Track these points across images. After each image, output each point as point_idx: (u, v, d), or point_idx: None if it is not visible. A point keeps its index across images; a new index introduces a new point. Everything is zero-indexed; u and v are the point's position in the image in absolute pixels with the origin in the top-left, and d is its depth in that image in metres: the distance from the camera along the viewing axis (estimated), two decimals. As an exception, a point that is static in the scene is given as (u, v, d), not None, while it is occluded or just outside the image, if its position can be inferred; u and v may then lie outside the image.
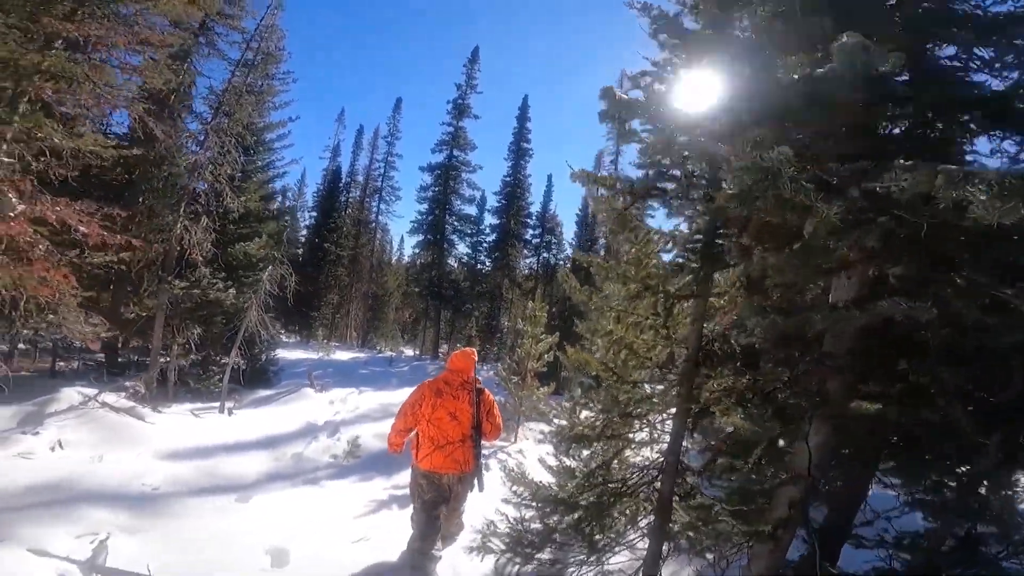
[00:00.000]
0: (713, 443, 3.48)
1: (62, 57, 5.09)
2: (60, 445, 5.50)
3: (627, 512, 3.56)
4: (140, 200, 8.36)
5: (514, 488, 3.69)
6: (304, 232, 29.23)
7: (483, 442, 3.63)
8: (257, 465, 6.00)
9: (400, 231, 74.08)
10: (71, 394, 6.90)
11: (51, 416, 6.19)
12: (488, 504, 3.91)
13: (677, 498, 3.29)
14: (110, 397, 7.15)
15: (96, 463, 5.12)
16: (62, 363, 9.40)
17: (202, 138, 8.77)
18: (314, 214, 27.92)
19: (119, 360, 9.99)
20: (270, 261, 9.13)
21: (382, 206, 27.54)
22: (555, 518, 3.49)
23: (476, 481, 3.58)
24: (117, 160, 9.74)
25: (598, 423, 3.72)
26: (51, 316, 5.19)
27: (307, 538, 4.17)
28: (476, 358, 3.81)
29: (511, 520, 3.58)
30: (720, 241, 2.96)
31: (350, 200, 28.20)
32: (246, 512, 4.58)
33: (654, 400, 3.50)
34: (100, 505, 4.10)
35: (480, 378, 3.86)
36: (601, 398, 3.71)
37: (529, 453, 8.50)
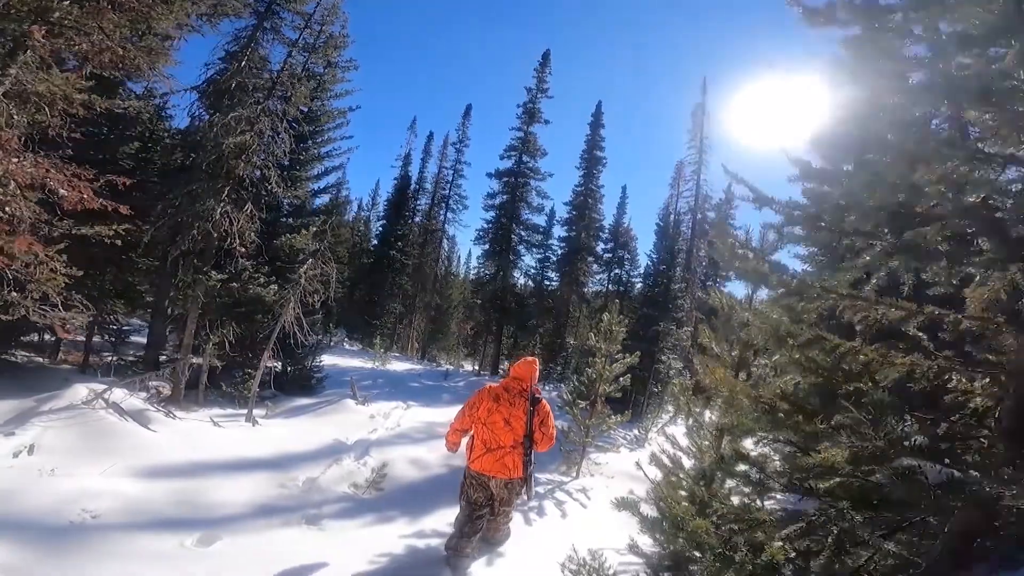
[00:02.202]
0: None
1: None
2: (30, 451, 4.62)
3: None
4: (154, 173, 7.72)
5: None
6: (375, 242, 29.26)
7: (535, 453, 3.62)
8: (252, 492, 4.84)
9: (467, 241, 74.63)
10: (79, 391, 6.18)
11: (42, 415, 5.42)
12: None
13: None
14: (120, 395, 6.38)
15: (45, 476, 4.15)
16: (96, 357, 8.95)
17: (252, 120, 8.05)
18: (383, 222, 27.78)
19: (160, 357, 9.46)
20: (311, 254, 8.21)
21: (449, 215, 26.95)
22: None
23: (525, 489, 3.60)
24: (174, 144, 9.56)
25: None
26: (14, 294, 4.30)
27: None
28: (538, 367, 3.81)
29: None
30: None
31: (417, 208, 27.88)
32: (198, 562, 3.34)
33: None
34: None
35: (539, 387, 3.81)
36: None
37: (596, 494, 6.85)
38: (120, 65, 4.54)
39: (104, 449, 5.07)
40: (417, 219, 27.78)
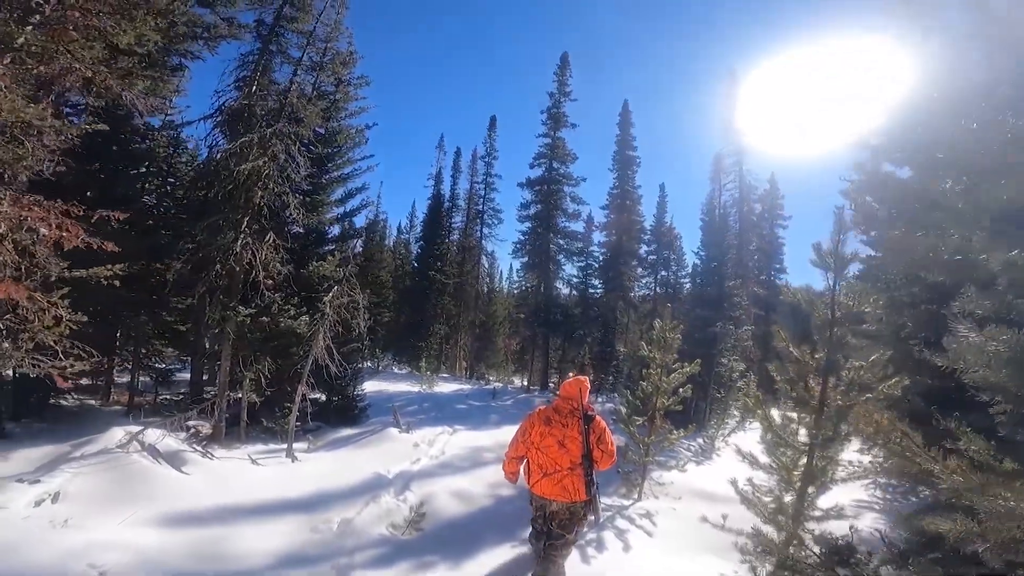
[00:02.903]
0: None
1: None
2: (54, 499, 4.44)
3: None
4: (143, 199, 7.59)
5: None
6: (416, 264, 29.38)
7: (596, 473, 3.52)
8: (281, 538, 4.45)
9: (506, 255, 74.61)
10: (115, 434, 6.07)
11: (73, 460, 5.28)
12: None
13: None
14: (156, 435, 6.22)
15: (58, 528, 3.90)
16: (140, 397, 9.00)
17: (264, 144, 7.88)
18: (420, 243, 27.86)
19: (203, 395, 9.43)
20: (335, 282, 7.92)
21: (484, 230, 26.72)
22: None
23: (591, 512, 3.48)
24: (196, 178, 9.63)
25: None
26: (5, 345, 4.11)
27: None
28: (588, 385, 3.69)
29: None
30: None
31: (453, 226, 27.81)
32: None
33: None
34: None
35: (595, 407, 3.68)
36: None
37: (663, 519, 6.07)
38: (89, 89, 4.38)
39: (131, 496, 4.83)
40: (454, 237, 27.72)
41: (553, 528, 3.56)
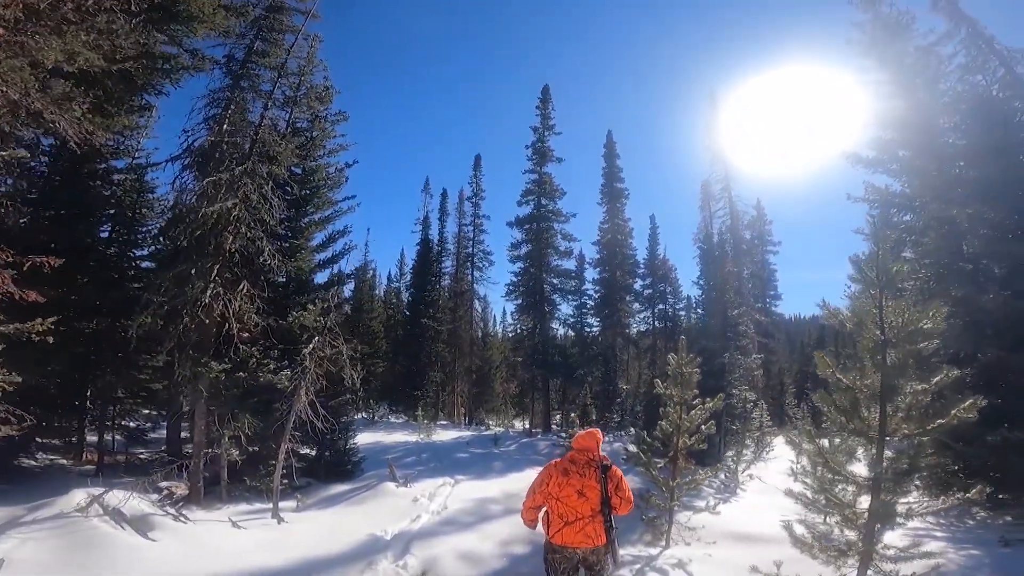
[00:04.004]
0: None
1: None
2: (-2, 569, 3.75)
3: None
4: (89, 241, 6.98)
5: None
6: (406, 311, 28.74)
7: (615, 517, 3.56)
8: (260, 620, 3.75)
9: (498, 299, 73.97)
10: (76, 495, 5.40)
11: (24, 524, 4.64)
12: None
13: None
14: (119, 497, 5.49)
15: None
16: (111, 457, 8.22)
17: (234, 184, 7.28)
18: (411, 291, 27.32)
19: (181, 455, 8.66)
20: (316, 332, 7.31)
21: (476, 273, 26.28)
22: None
23: (610, 556, 3.52)
24: (164, 226, 9.11)
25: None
26: None
27: None
28: (601, 437, 3.79)
29: None
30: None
31: (443, 271, 27.35)
32: None
33: None
34: None
35: (605, 454, 3.77)
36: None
37: (699, 568, 5.33)
38: (17, 115, 3.96)
39: (86, 564, 4.15)
40: (445, 282, 27.25)
41: (585, 572, 3.60)
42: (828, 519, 4.55)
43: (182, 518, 5.82)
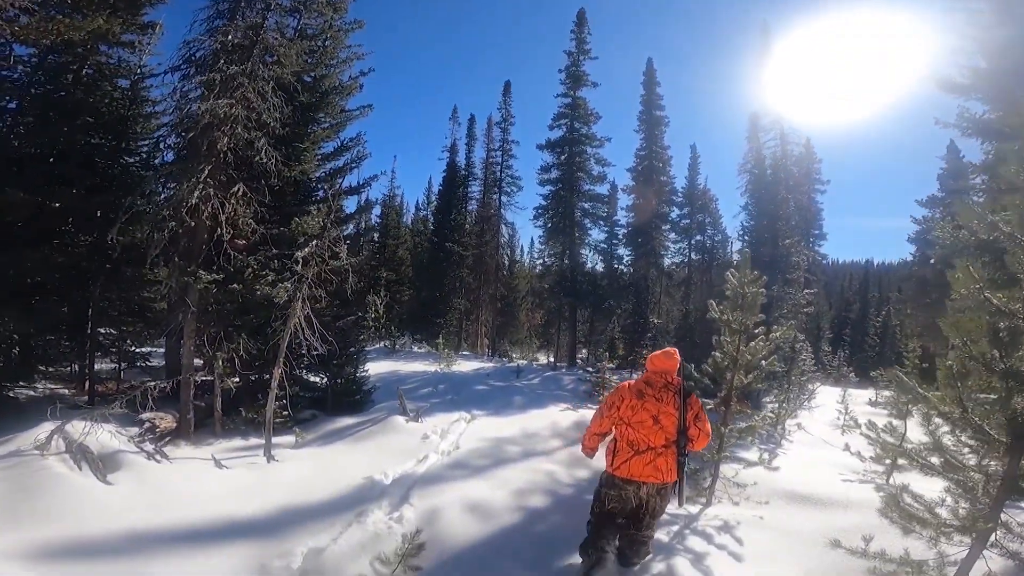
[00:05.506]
0: None
1: None
2: None
3: None
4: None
5: None
6: (432, 237, 27.88)
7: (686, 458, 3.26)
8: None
9: (527, 225, 72.31)
10: (44, 428, 4.80)
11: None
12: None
13: None
14: (81, 429, 4.85)
15: None
16: (100, 386, 7.73)
17: (229, 83, 6.30)
18: (437, 215, 26.32)
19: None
20: (313, 236, 6.38)
21: (503, 198, 24.90)
22: None
23: (676, 493, 3.27)
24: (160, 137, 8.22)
25: None
26: None
27: None
28: (679, 358, 3.44)
29: None
30: None
31: (470, 195, 26.12)
32: None
33: None
34: None
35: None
36: None
37: (749, 533, 4.39)
38: None
39: (21, 513, 3.51)
40: (471, 207, 26.07)
41: (642, 515, 3.36)
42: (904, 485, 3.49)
43: (159, 456, 5.21)
